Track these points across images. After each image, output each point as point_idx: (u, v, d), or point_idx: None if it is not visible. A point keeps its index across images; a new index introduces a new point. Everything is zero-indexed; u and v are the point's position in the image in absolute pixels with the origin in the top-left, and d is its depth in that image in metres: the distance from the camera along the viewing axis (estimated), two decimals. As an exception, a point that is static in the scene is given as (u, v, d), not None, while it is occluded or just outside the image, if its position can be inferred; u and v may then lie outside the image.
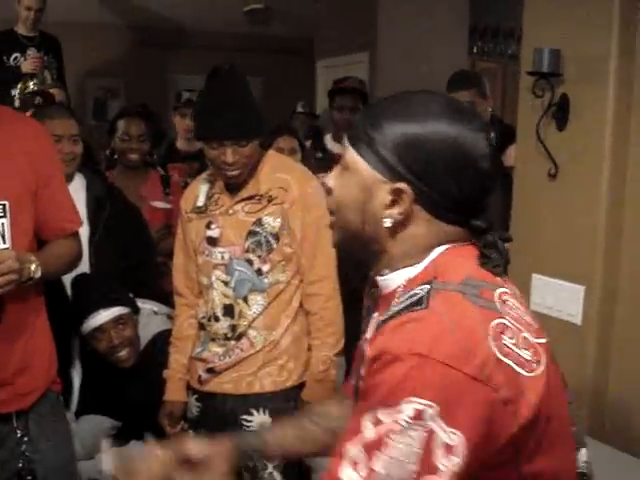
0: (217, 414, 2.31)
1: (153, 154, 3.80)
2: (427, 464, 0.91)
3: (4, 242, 1.82)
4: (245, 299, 2.22)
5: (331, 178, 1.14)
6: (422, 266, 1.07)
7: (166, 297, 2.76)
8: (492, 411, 0.93)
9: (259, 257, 2.20)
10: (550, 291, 2.40)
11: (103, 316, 2.51)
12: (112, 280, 2.68)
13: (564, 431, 1.07)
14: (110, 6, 6.38)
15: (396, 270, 1.11)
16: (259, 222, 2.20)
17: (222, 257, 2.22)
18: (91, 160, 3.73)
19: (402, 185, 1.04)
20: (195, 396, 2.37)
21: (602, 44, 2.30)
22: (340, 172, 1.12)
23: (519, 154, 2.63)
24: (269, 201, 2.20)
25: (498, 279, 1.07)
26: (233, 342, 2.24)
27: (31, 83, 4.70)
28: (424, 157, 1.03)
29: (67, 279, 2.60)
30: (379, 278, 1.14)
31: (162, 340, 2.50)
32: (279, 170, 2.25)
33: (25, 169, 1.85)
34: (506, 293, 1.05)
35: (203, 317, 2.30)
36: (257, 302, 2.22)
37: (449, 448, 0.91)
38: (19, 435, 1.90)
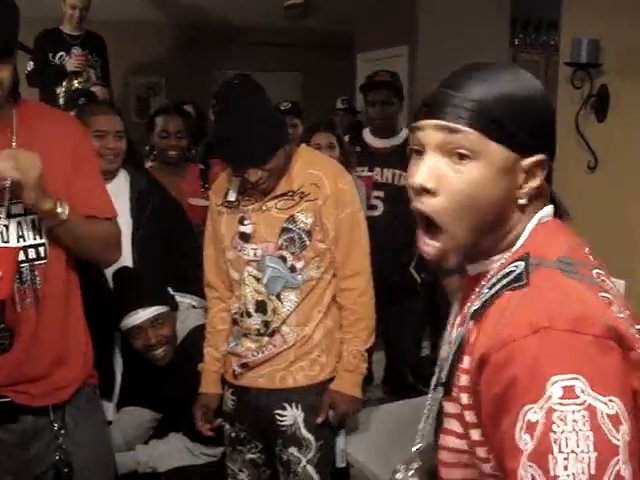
0: (251, 408, 2.32)
1: (192, 150, 3.82)
2: (605, 445, 0.80)
3: (40, 237, 1.85)
4: (278, 296, 2.22)
5: (430, 177, 0.99)
6: (516, 247, 1.02)
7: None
8: (629, 373, 0.86)
9: (292, 254, 2.20)
10: (590, 286, 2.36)
11: (141, 315, 2.53)
12: (153, 276, 2.71)
13: None
14: (153, 4, 6.45)
15: (494, 255, 1.04)
16: (292, 219, 2.19)
17: (255, 254, 2.22)
18: (135, 156, 3.79)
19: (542, 157, 0.99)
20: (230, 390, 2.39)
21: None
22: (450, 165, 0.99)
23: (558, 146, 2.57)
24: (301, 197, 2.19)
25: (592, 260, 1.02)
26: (266, 338, 2.24)
27: (76, 81, 4.79)
28: (538, 120, 1.01)
29: (109, 272, 2.64)
30: (471, 265, 1.07)
31: (198, 334, 2.52)
32: (311, 166, 2.24)
33: (62, 164, 1.86)
34: (602, 274, 0.99)
35: (235, 312, 2.31)
36: (290, 299, 2.22)
37: (615, 419, 0.81)
38: (56, 428, 1.93)
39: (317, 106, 5.75)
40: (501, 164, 0.98)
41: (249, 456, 2.42)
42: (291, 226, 2.19)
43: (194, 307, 2.76)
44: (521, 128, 0.98)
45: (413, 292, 3.64)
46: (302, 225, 2.19)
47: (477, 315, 0.96)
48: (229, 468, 2.47)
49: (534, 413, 0.81)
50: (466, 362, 0.95)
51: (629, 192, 2.28)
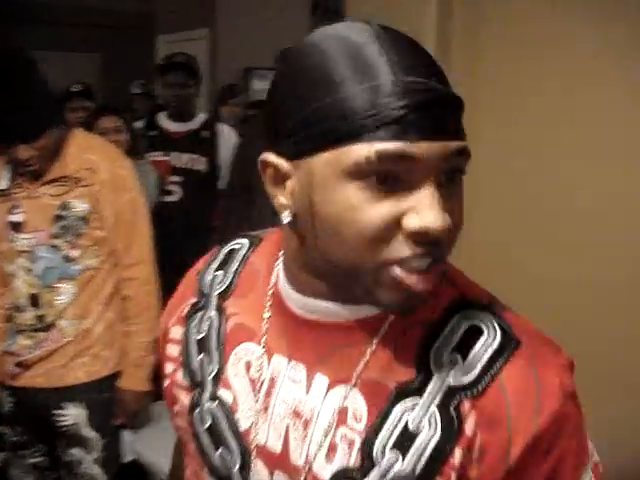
0: (31, 410, 2.18)
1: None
2: None
3: None
4: (53, 288, 2.09)
5: (443, 208, 0.67)
6: None
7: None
8: None
9: (67, 243, 2.07)
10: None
11: None
12: None
13: None
14: None
15: None
16: (66, 206, 2.06)
17: (27, 244, 2.07)
18: None
19: None
20: (7, 392, 2.22)
21: (420, 20, 2.33)
22: (445, 192, 0.69)
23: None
24: (76, 183, 2.07)
25: None
26: (42, 333, 2.10)
27: None
28: None
29: None
30: (340, 305, 0.79)
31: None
32: (87, 150, 2.12)
33: None
34: None
35: (8, 308, 2.15)
36: (67, 290, 2.09)
37: None
38: None
39: (117, 89, 5.54)
40: None
41: (32, 460, 2.28)
42: (65, 213, 2.06)
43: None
44: None
45: (213, 278, 3.58)
46: (77, 212, 2.07)
47: (473, 396, 0.73)
48: (12, 475, 2.31)
49: (586, 475, 0.76)
50: (458, 456, 0.73)
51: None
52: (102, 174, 2.09)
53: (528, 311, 0.83)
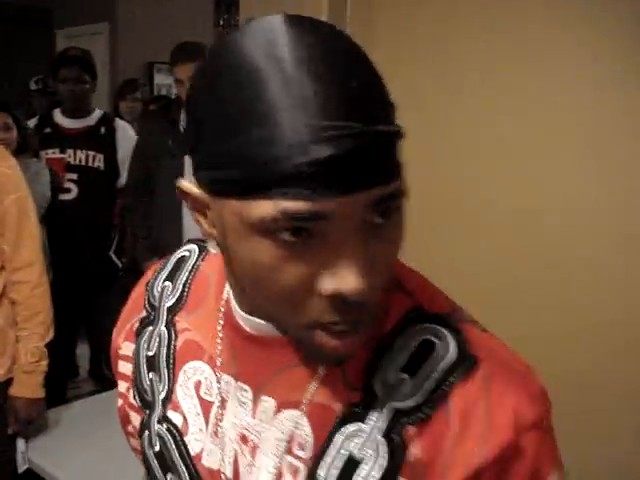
0: None
1: None
2: None
3: None
4: None
5: (365, 262, 0.58)
6: None
7: None
8: None
9: None
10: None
11: None
12: None
13: None
14: None
15: None
16: None
17: None
18: None
19: None
20: None
21: (314, 16, 2.32)
22: (369, 233, 0.59)
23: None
24: None
25: None
26: None
27: None
28: None
29: None
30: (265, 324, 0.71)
31: None
32: None
33: None
34: None
35: None
36: None
37: None
38: None
39: (14, 86, 5.34)
40: None
41: None
42: None
43: None
44: None
45: (114, 277, 3.50)
46: None
47: (417, 420, 0.65)
48: None
49: None
50: None
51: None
52: None
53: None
